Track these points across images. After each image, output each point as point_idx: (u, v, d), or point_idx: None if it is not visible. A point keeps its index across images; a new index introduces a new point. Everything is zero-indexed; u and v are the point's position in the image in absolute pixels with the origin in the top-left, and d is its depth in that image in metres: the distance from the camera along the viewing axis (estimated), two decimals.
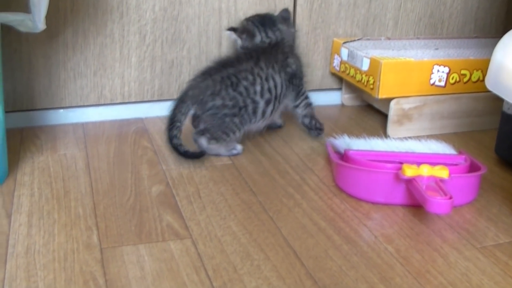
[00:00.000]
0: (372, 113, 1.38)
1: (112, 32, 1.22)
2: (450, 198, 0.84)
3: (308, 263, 0.79)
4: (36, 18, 0.93)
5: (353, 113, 1.39)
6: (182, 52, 1.28)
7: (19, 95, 1.20)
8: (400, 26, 1.44)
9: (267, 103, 1.11)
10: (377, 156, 0.99)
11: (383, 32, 1.43)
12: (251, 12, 1.27)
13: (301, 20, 1.35)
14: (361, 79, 1.26)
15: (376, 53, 1.25)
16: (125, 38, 1.23)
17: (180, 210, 0.91)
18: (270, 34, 1.18)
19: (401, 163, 0.93)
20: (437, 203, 0.84)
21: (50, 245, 0.81)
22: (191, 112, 1.07)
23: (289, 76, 1.15)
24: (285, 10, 1.23)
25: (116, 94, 1.27)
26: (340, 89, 1.44)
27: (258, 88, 1.09)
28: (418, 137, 1.16)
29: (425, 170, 0.89)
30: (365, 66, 1.24)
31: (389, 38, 1.41)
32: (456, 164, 0.97)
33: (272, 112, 1.13)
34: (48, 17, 0.98)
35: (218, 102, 1.06)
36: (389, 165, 0.94)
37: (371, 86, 1.22)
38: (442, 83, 1.25)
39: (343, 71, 1.34)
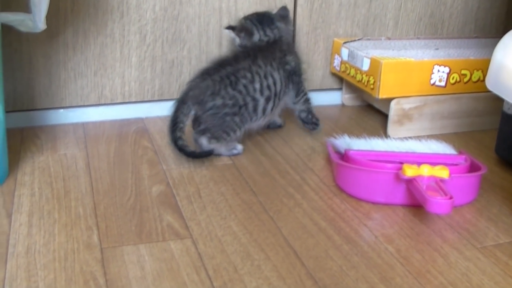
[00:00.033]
0: (373, 113, 1.38)
1: (112, 32, 1.22)
2: (451, 198, 0.84)
3: (309, 263, 0.79)
4: (36, 18, 0.93)
5: (354, 113, 1.39)
6: (182, 52, 1.28)
7: (20, 95, 1.21)
8: (401, 26, 1.44)
9: (267, 100, 1.11)
10: (377, 156, 0.99)
11: (384, 32, 1.43)
12: (251, 11, 1.27)
13: (302, 20, 1.35)
14: (362, 79, 1.26)
15: (376, 53, 1.25)
16: (126, 38, 1.23)
17: (181, 210, 0.91)
18: (268, 32, 1.19)
19: (402, 163, 0.93)
20: (438, 203, 0.84)
21: (51, 245, 0.81)
22: (192, 112, 1.08)
23: (288, 73, 1.15)
24: (284, 8, 1.23)
25: (117, 94, 1.27)
26: (340, 89, 1.44)
27: (257, 85, 1.09)
28: (418, 137, 1.16)
29: (426, 170, 0.90)
30: (365, 66, 1.24)
31: (389, 38, 1.41)
32: (456, 164, 0.97)
33: (272, 109, 1.13)
34: (49, 17, 0.98)
35: (219, 101, 1.06)
36: (389, 165, 0.94)
37: (372, 86, 1.22)
38: (443, 83, 1.25)
39: (344, 71, 1.34)
